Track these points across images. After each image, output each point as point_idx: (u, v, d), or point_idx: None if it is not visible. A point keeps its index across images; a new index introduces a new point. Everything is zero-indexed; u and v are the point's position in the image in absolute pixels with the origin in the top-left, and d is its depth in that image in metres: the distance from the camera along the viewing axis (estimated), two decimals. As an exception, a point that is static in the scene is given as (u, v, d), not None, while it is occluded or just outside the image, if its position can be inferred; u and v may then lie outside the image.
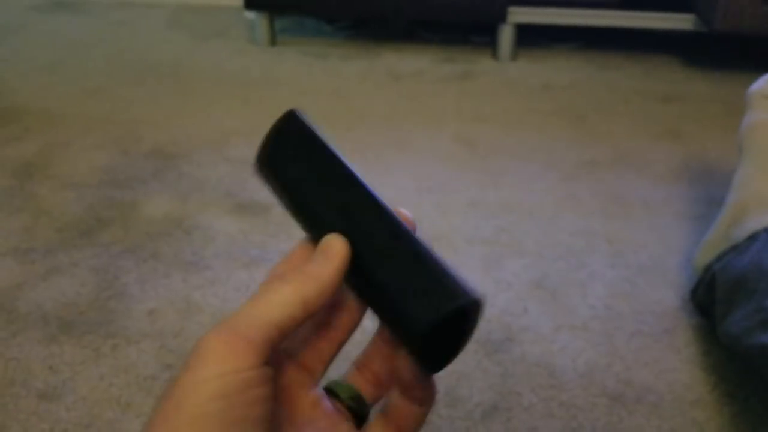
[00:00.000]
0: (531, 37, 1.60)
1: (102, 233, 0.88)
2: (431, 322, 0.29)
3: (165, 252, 0.85)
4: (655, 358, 0.68)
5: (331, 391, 0.33)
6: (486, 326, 0.72)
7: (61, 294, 0.77)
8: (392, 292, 0.30)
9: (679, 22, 1.42)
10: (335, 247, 0.30)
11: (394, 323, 0.30)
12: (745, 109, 0.77)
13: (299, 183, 0.33)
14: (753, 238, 0.66)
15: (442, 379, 0.66)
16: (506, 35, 1.49)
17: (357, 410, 0.33)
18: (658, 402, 0.63)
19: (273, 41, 1.62)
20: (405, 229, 0.31)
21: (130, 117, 1.23)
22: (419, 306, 0.29)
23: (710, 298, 0.68)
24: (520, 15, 1.46)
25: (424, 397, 0.32)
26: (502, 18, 1.46)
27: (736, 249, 0.67)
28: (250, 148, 1.11)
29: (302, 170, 0.33)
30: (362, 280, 0.31)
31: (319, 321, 0.34)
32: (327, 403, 0.32)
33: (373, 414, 0.34)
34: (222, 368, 0.26)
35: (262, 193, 0.98)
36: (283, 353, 0.33)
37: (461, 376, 0.66)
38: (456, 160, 1.08)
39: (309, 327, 0.34)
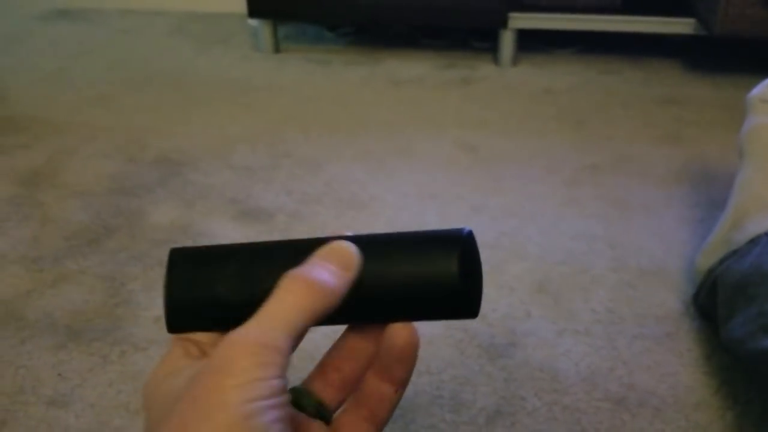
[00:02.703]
0: (532, 43, 1.61)
1: (109, 241, 0.89)
2: (454, 262, 0.30)
3: (171, 259, 0.85)
4: (657, 361, 0.69)
5: (292, 400, 0.33)
6: (489, 331, 0.73)
7: (69, 301, 0.78)
8: (400, 277, 0.30)
9: (679, 26, 1.42)
10: (351, 256, 0.30)
11: (415, 299, 0.31)
12: (745, 113, 0.77)
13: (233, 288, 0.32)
14: (754, 241, 0.66)
15: (446, 383, 0.66)
16: (507, 40, 1.50)
17: (317, 413, 0.33)
18: (660, 405, 0.64)
19: (276, 48, 1.63)
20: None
21: (135, 125, 1.24)
22: (434, 262, 0.30)
23: (712, 301, 0.69)
24: (520, 20, 1.47)
25: (404, 378, 0.32)
26: (502, 23, 1.47)
27: (738, 253, 0.67)
28: (254, 155, 1.12)
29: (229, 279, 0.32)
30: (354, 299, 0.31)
31: None
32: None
33: (346, 402, 0.34)
34: (252, 375, 0.26)
35: (266, 199, 0.99)
36: None
37: (465, 381, 0.67)
38: (458, 165, 1.09)
39: None
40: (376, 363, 0.32)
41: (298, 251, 0.31)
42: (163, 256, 0.86)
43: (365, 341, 0.33)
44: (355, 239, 0.32)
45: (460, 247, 0.30)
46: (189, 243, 0.89)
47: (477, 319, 0.74)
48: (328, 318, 0.30)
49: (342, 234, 0.32)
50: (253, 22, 1.63)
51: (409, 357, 0.32)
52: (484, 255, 0.89)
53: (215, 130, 1.22)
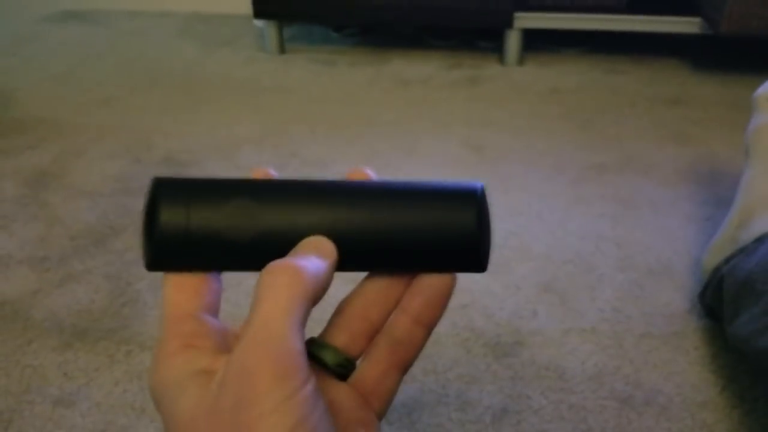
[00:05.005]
0: (537, 42, 1.61)
1: (115, 240, 0.90)
2: (473, 218, 0.30)
3: (177, 259, 0.86)
4: (663, 360, 0.69)
5: (312, 355, 0.31)
6: (495, 330, 0.73)
7: (76, 301, 0.79)
8: (418, 230, 0.30)
9: (686, 25, 1.42)
10: (328, 246, 0.29)
11: (433, 251, 0.30)
12: (752, 112, 0.77)
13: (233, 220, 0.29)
14: (760, 240, 0.66)
15: (452, 382, 0.66)
16: (513, 40, 1.50)
17: (343, 372, 0.31)
18: (667, 404, 0.64)
19: (282, 49, 1.63)
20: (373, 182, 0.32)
21: (141, 125, 1.25)
22: (452, 216, 0.30)
23: (718, 300, 0.68)
24: (526, 20, 1.47)
25: (438, 319, 0.32)
26: (508, 23, 1.47)
27: (744, 251, 0.67)
28: (261, 155, 1.12)
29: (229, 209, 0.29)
30: (370, 249, 0.30)
31: None
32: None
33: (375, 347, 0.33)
34: (282, 393, 0.24)
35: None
36: None
37: (471, 380, 0.67)
38: (464, 165, 1.09)
39: None
40: (409, 308, 0.32)
41: (307, 189, 0.30)
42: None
43: (394, 284, 0.32)
44: (373, 184, 0.31)
45: (478, 204, 0.30)
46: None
47: (483, 318, 0.74)
48: (347, 265, 0.30)
49: (362, 171, 0.32)
50: (259, 23, 1.64)
51: (447, 299, 0.32)
52: (491, 254, 0.89)
53: (222, 130, 1.22)
